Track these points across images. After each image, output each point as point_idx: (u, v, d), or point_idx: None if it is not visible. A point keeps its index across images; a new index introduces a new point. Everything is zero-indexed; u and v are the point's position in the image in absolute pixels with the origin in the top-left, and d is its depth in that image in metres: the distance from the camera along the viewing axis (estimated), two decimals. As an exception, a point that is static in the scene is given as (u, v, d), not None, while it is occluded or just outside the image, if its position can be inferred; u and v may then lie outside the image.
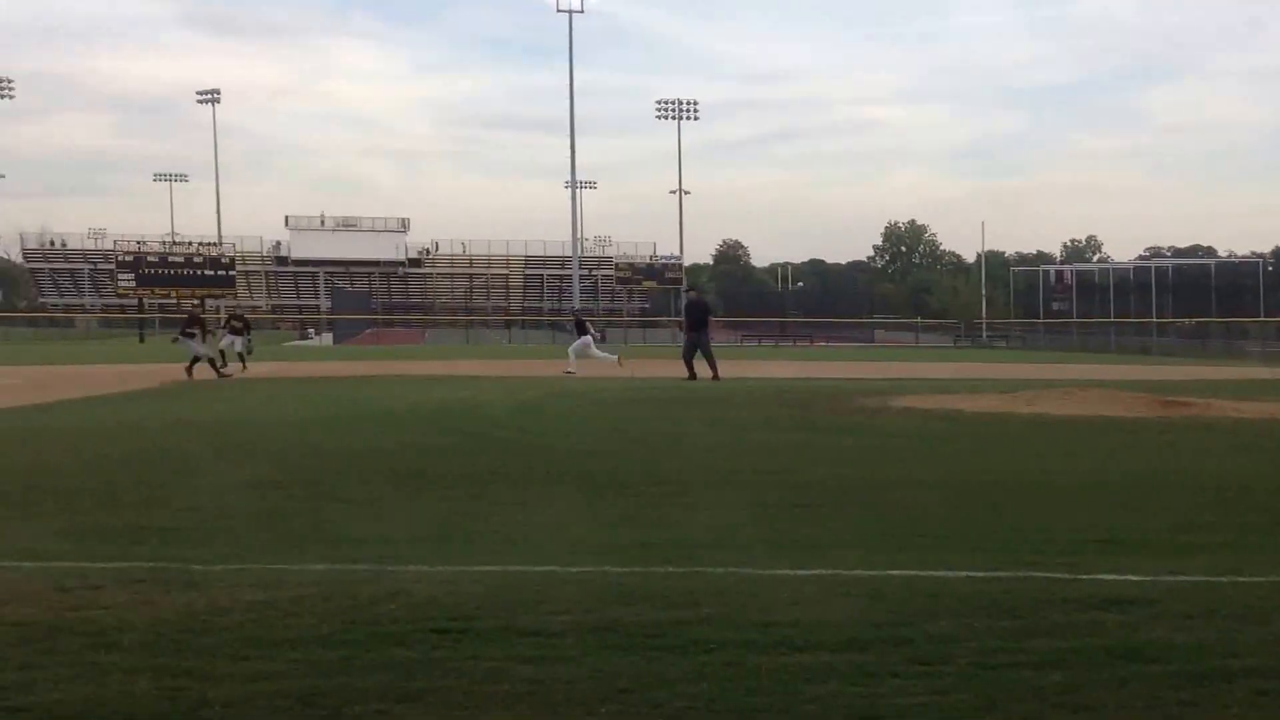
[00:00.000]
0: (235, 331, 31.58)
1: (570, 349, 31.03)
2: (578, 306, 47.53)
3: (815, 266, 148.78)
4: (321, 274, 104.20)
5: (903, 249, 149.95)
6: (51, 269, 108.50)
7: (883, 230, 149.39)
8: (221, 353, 30.01)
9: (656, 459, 11.99)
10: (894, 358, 43.69)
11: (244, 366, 29.86)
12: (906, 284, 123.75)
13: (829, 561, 6.75)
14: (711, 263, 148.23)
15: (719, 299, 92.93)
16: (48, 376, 27.47)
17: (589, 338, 31.16)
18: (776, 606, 5.70)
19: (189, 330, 29.08)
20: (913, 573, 6.47)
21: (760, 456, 12.11)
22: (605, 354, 30.96)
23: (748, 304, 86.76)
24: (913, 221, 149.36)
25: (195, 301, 43.18)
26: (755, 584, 6.19)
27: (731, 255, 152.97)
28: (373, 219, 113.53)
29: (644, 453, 12.63)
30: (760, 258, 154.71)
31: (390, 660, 4.82)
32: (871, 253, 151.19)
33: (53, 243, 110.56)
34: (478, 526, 8.01)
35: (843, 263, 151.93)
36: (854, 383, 25.34)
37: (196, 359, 27.84)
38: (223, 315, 33.37)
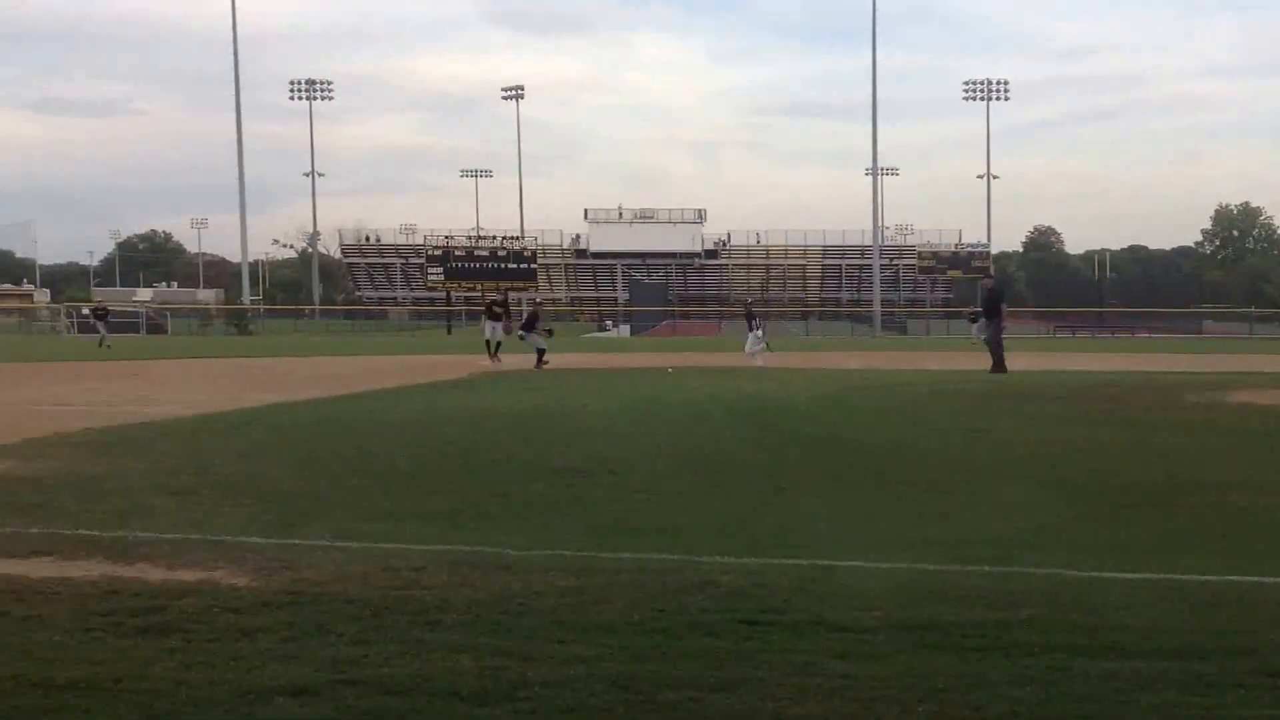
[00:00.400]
0: (494, 318, 30.33)
1: (751, 347, 30.14)
2: (750, 299, 47.04)
3: (1135, 253, 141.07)
4: (619, 266, 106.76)
5: (1235, 233, 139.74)
6: (367, 263, 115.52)
7: (1211, 214, 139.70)
8: (489, 343, 29.49)
9: (965, 455, 11.58)
10: (1225, 350, 40.77)
11: (496, 358, 28.75)
12: (1239, 270, 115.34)
13: (1160, 565, 6.34)
14: (1021, 250, 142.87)
15: (1028, 289, 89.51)
16: (366, 367, 29.19)
17: (756, 331, 30.34)
18: (1104, 610, 5.41)
19: (529, 324, 28.79)
20: (1256, 579, 6.05)
21: (1078, 454, 11.51)
22: (753, 350, 29.86)
23: (1061, 293, 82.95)
24: (1246, 204, 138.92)
25: (537, 300, 44.08)
26: (1080, 586, 5.88)
27: (1043, 242, 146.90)
28: (669, 210, 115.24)
29: (951, 448, 12.22)
30: (1074, 244, 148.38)
31: (702, 649, 4.83)
32: (1199, 238, 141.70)
33: (367, 238, 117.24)
34: (782, 519, 7.96)
35: (1166, 249, 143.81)
36: (1181, 376, 23.82)
37: (542, 350, 27.34)
38: (493, 301, 33.00)
